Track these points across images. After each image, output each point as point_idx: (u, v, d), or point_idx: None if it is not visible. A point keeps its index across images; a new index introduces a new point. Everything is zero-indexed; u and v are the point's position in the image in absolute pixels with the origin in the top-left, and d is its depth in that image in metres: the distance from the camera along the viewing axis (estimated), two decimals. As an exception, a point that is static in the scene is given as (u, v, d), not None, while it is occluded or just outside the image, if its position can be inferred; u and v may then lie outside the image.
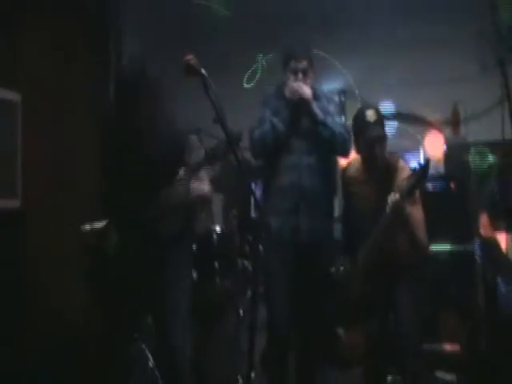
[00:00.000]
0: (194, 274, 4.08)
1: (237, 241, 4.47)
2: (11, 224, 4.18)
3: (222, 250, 4.35)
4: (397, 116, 5.49)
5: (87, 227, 3.93)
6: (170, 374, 3.30)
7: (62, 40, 4.76)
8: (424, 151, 5.64)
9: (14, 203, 4.25)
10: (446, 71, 5.41)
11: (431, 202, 3.88)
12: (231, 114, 3.02)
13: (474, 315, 4.19)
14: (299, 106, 3.75)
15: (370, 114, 3.66)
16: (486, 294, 4.18)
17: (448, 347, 4.59)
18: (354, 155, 3.91)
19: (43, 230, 4.37)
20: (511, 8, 5.00)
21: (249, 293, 4.28)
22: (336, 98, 5.16)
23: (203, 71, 2.99)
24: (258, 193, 3.90)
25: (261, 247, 3.80)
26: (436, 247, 4.58)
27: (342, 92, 5.65)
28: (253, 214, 4.93)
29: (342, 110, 5.20)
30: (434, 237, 3.79)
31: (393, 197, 3.44)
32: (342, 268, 3.88)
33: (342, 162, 4.64)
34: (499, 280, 4.03)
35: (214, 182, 3.52)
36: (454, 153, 5.21)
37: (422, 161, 3.53)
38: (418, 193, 3.58)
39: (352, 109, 5.25)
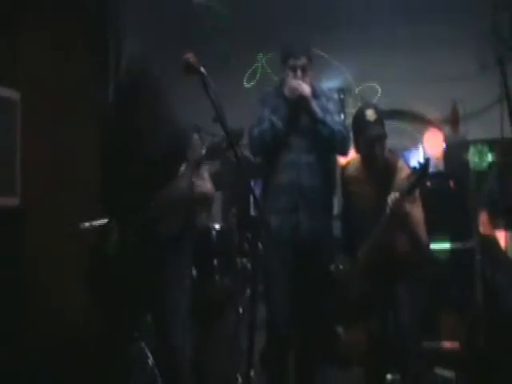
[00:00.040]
0: (194, 273, 4.08)
1: (236, 239, 4.47)
2: (10, 222, 4.18)
3: (221, 248, 4.34)
4: (396, 114, 5.49)
5: (86, 225, 3.94)
6: (170, 373, 3.30)
7: (62, 40, 4.76)
8: (423, 149, 5.64)
9: (12, 201, 4.25)
10: (446, 70, 5.41)
11: (430, 200, 3.88)
12: (232, 114, 3.02)
13: (473, 312, 4.20)
14: (298, 104, 3.75)
15: (370, 114, 3.66)
16: (484, 291, 4.18)
17: (447, 344, 4.60)
18: (353, 155, 3.91)
19: (42, 228, 4.37)
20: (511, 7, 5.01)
21: (248, 291, 4.28)
22: (335, 97, 5.16)
23: (202, 69, 2.99)
24: (258, 191, 3.90)
25: (260, 245, 3.80)
26: (435, 245, 4.59)
27: (341, 90, 5.65)
28: (252, 212, 4.93)
29: (341, 108, 5.20)
30: (433, 235, 3.79)
31: (393, 196, 3.44)
32: (341, 266, 3.88)
33: (342, 160, 4.65)
34: (498, 277, 4.04)
35: (215, 180, 3.52)
36: (453, 151, 5.21)
37: (421, 160, 3.53)
38: (417, 192, 3.58)
39: (351, 107, 5.29)
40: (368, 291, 3.63)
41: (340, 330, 4.63)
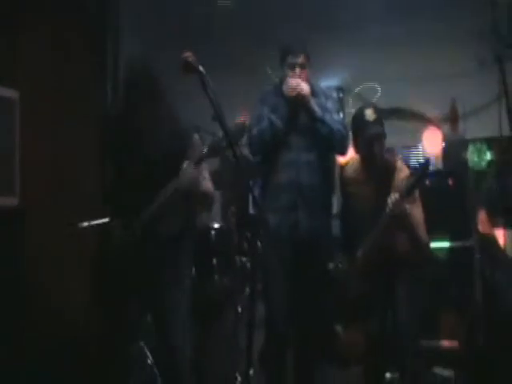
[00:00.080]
0: (193, 272, 4.08)
1: (235, 238, 4.47)
2: (9, 222, 4.18)
3: (221, 247, 4.35)
4: (395, 113, 5.49)
5: (85, 225, 3.94)
6: (170, 373, 3.31)
7: (62, 40, 4.76)
8: (422, 148, 5.65)
9: (11, 201, 4.24)
10: (444, 68, 5.40)
11: (429, 199, 3.88)
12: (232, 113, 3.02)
13: (472, 311, 4.20)
14: (297, 103, 3.75)
15: (369, 113, 3.66)
16: (483, 290, 4.18)
17: (446, 343, 4.60)
18: (352, 155, 3.91)
19: (42, 228, 4.36)
20: (510, 5, 5.01)
21: (247, 290, 4.28)
22: (334, 95, 5.16)
23: (201, 68, 2.99)
24: (257, 190, 3.90)
25: (259, 244, 3.80)
26: (434, 244, 4.59)
27: (340, 89, 5.66)
28: (251, 210, 4.93)
29: (339, 106, 5.20)
30: (432, 233, 3.79)
31: (393, 197, 3.44)
32: (340, 265, 3.88)
33: (341, 159, 4.65)
34: (497, 276, 4.04)
35: (214, 179, 3.52)
36: (452, 149, 5.21)
37: (421, 160, 3.54)
38: (417, 192, 3.59)
39: (350, 106, 5.29)
40: (367, 291, 3.63)
41: (339, 328, 4.65)
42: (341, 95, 5.63)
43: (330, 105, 3.88)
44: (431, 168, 4.61)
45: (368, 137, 3.62)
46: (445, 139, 5.46)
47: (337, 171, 4.20)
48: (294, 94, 3.73)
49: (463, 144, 5.03)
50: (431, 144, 5.57)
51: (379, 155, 3.66)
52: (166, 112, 3.28)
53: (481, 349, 4.05)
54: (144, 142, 3.22)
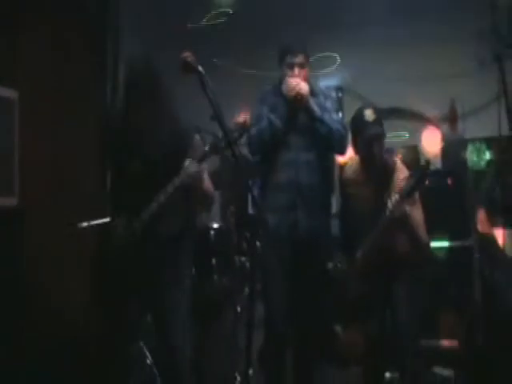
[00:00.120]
0: (192, 272, 4.08)
1: (234, 238, 4.47)
2: (8, 222, 4.18)
3: (220, 247, 4.35)
4: (394, 112, 5.49)
5: (84, 225, 3.94)
6: (169, 373, 3.31)
7: (62, 40, 4.76)
8: (421, 147, 5.65)
9: (11, 201, 4.24)
10: (444, 68, 5.41)
11: (428, 199, 3.88)
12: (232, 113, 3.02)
13: (472, 311, 4.20)
14: (297, 102, 3.75)
15: (369, 114, 3.66)
16: (483, 289, 4.18)
17: (445, 343, 4.60)
18: (351, 155, 3.91)
19: (41, 228, 4.36)
20: (510, 6, 5.01)
21: (246, 290, 4.29)
22: (333, 95, 5.16)
23: (200, 68, 2.99)
24: (256, 189, 3.90)
25: (258, 244, 3.80)
26: (433, 243, 4.59)
27: (340, 89, 5.65)
28: (250, 210, 4.93)
29: (339, 106, 5.21)
30: (431, 233, 3.79)
31: (393, 199, 3.44)
32: (339, 265, 3.88)
33: (340, 159, 4.65)
34: (496, 276, 4.04)
35: (214, 179, 3.52)
36: (452, 149, 5.21)
37: (422, 162, 3.54)
38: (417, 193, 3.59)
39: (349, 105, 5.28)
40: (366, 292, 3.63)
41: (338, 329, 4.65)
42: (340, 95, 5.63)
43: (329, 104, 3.88)
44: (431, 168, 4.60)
45: (367, 137, 3.62)
46: (444, 139, 5.45)
47: (336, 171, 4.19)
48: (293, 93, 3.73)
49: (462, 144, 5.03)
50: (430, 144, 5.57)
51: (379, 155, 3.66)
52: (167, 112, 3.28)
53: (480, 348, 4.05)
54: (144, 142, 3.22)
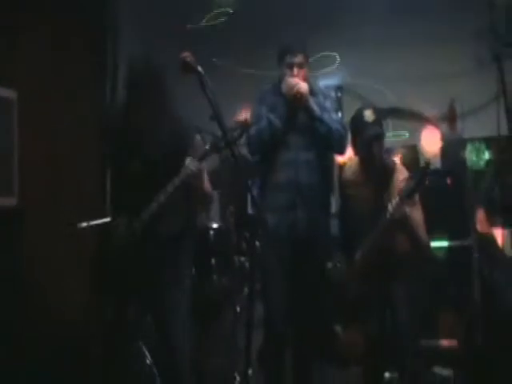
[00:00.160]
0: (192, 272, 4.08)
1: (234, 238, 4.47)
2: (8, 222, 4.18)
3: (219, 247, 4.35)
4: (393, 112, 5.49)
5: (84, 225, 3.94)
6: (169, 373, 3.31)
7: (62, 40, 4.76)
8: (421, 147, 5.64)
9: (10, 201, 4.24)
10: (443, 67, 5.40)
11: (427, 198, 3.88)
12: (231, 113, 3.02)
13: (471, 311, 4.20)
14: (296, 102, 3.75)
15: (368, 114, 3.66)
16: (482, 289, 4.18)
17: (445, 343, 4.61)
18: (350, 155, 3.91)
19: (40, 228, 4.37)
20: (508, 6, 5.01)
21: (246, 290, 4.29)
22: (333, 95, 5.16)
23: (199, 68, 3.00)
24: (256, 190, 3.90)
25: (258, 244, 3.80)
26: (432, 243, 4.58)
27: (339, 88, 5.65)
28: (250, 210, 4.93)
29: (338, 106, 5.21)
30: (430, 233, 3.79)
31: (393, 201, 3.44)
32: (338, 265, 3.88)
33: (339, 159, 4.65)
34: (496, 276, 4.05)
35: (213, 179, 3.52)
36: (451, 149, 5.21)
37: (421, 162, 3.54)
38: (417, 195, 3.59)
39: (349, 105, 5.28)
40: (366, 292, 3.63)
41: (338, 328, 4.65)
42: (339, 95, 5.62)
43: (328, 104, 3.88)
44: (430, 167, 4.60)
45: (367, 137, 3.62)
46: (443, 138, 5.45)
47: (335, 171, 4.19)
48: (292, 92, 3.73)
49: (461, 143, 5.02)
50: (429, 143, 5.56)
51: (378, 156, 3.66)
52: (167, 112, 3.28)
53: (479, 348, 4.05)
54: (144, 142, 3.22)
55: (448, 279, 4.75)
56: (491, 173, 4.32)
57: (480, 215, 4.20)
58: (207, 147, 3.17)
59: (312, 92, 3.81)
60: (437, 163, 5.29)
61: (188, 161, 3.15)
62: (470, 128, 5.26)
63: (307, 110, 3.76)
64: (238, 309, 4.27)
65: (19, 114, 4.32)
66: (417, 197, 3.59)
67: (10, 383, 3.92)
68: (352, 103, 5.16)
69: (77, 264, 4.47)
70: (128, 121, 3.25)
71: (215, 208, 5.04)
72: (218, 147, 3.18)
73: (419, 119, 5.66)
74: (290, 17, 5.52)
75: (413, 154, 5.52)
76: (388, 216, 3.45)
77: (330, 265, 4.00)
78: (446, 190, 4.88)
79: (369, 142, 3.63)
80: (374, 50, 5.54)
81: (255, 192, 3.80)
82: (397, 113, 5.54)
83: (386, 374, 3.96)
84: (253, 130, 3.76)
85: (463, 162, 4.85)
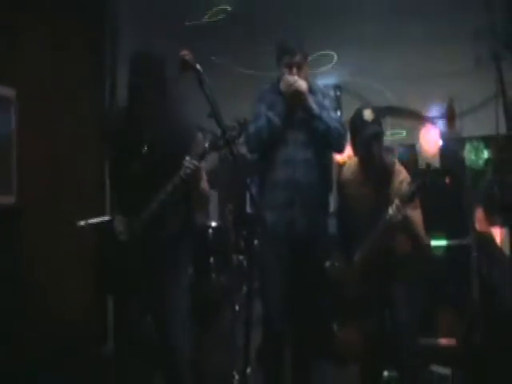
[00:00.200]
0: (190, 271, 4.08)
1: (232, 237, 4.48)
2: (6, 220, 4.19)
3: (218, 245, 4.35)
4: (392, 111, 5.49)
5: (82, 223, 3.94)
6: (170, 373, 3.30)
7: (62, 40, 4.77)
8: (419, 146, 5.64)
9: (9, 199, 4.25)
10: (442, 66, 5.40)
11: (426, 197, 3.88)
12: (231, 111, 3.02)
13: (470, 310, 4.20)
14: (295, 100, 3.75)
15: (367, 114, 3.66)
16: (481, 288, 4.19)
17: (443, 341, 4.61)
18: (349, 154, 3.90)
19: (39, 227, 4.38)
20: (507, 6, 5.02)
21: (244, 288, 4.29)
22: (331, 93, 5.16)
23: (198, 66, 3.00)
24: (254, 188, 3.90)
25: (256, 242, 3.80)
26: (431, 242, 4.59)
27: (338, 87, 5.65)
28: (248, 209, 4.93)
29: (337, 105, 5.20)
30: (429, 232, 3.79)
31: (394, 205, 3.44)
32: (336, 264, 3.88)
33: (338, 158, 4.65)
34: (494, 274, 4.05)
35: (211, 178, 3.52)
36: (449, 148, 5.21)
37: (421, 164, 3.54)
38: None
39: (347, 104, 5.28)
40: (365, 292, 3.63)
41: (336, 327, 4.65)
42: (338, 93, 5.62)
43: (327, 103, 3.88)
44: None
45: (366, 137, 3.61)
46: (442, 137, 5.45)
47: (334, 169, 4.19)
48: (291, 90, 3.72)
49: (460, 142, 5.02)
50: (428, 142, 5.56)
51: (378, 155, 3.65)
52: (167, 111, 3.27)
53: (478, 347, 4.05)
54: (144, 142, 3.21)
55: (447, 278, 4.76)
56: (490, 172, 4.33)
57: (479, 214, 4.21)
58: (206, 146, 3.17)
59: (311, 90, 3.80)
60: (435, 162, 5.28)
61: (187, 159, 3.15)
62: (469, 127, 5.25)
63: (306, 109, 3.76)
64: (237, 307, 4.27)
65: (19, 113, 4.33)
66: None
67: (9, 383, 3.92)
68: (351, 102, 5.16)
69: (76, 263, 4.48)
70: (128, 120, 3.25)
71: (214, 207, 5.05)
72: (217, 146, 3.18)
73: (418, 118, 5.66)
74: (289, 15, 5.52)
75: (411, 154, 5.53)
76: (388, 218, 3.46)
77: (328, 264, 4.00)
78: (444, 189, 4.87)
79: (368, 140, 3.62)
80: (373, 49, 5.54)
81: (254, 190, 3.80)
82: (395, 112, 5.54)
83: (385, 373, 3.96)
84: (251, 128, 3.76)
85: (462, 160, 4.85)
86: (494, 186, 4.18)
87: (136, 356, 3.32)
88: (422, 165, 5.10)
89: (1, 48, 4.26)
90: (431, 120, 5.61)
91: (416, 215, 3.61)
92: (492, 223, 4.20)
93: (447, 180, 4.84)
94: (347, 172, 3.84)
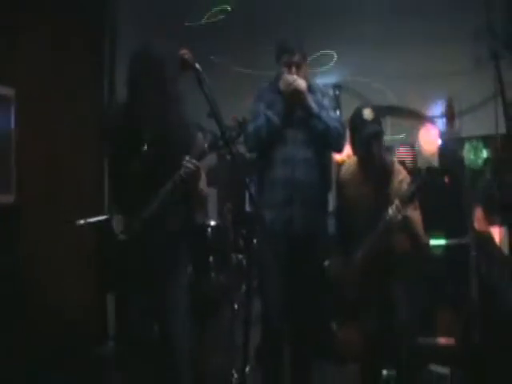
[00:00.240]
0: (189, 270, 4.09)
1: (231, 235, 4.48)
2: (5, 219, 4.19)
3: (217, 244, 4.35)
4: (391, 110, 5.50)
5: (81, 222, 3.94)
6: (170, 373, 3.30)
7: (62, 40, 4.78)
8: (418, 145, 5.65)
9: (8, 198, 4.26)
10: (442, 66, 5.41)
11: (425, 197, 3.88)
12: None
13: (468, 309, 4.21)
14: (294, 99, 3.75)
15: (367, 113, 3.66)
16: (479, 287, 4.19)
17: (442, 340, 4.61)
18: (349, 154, 3.91)
19: (38, 226, 4.38)
20: (506, 6, 5.03)
21: (243, 287, 4.29)
22: (331, 93, 5.16)
23: (197, 66, 3.00)
24: (253, 186, 3.90)
25: (255, 240, 3.80)
26: (430, 241, 4.59)
27: (337, 86, 5.65)
28: (247, 207, 4.93)
29: (336, 104, 5.20)
30: (428, 231, 3.80)
31: (393, 206, 3.44)
32: (335, 263, 3.88)
33: (337, 157, 4.65)
34: (493, 274, 4.05)
35: (210, 177, 3.52)
36: (449, 147, 5.21)
37: (422, 168, 3.54)
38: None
39: (347, 103, 5.29)
40: (365, 292, 3.63)
41: (336, 327, 4.65)
42: (337, 93, 5.63)
43: (326, 102, 3.88)
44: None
45: (366, 136, 3.61)
46: (441, 137, 5.46)
47: (333, 168, 4.19)
48: (290, 89, 3.73)
49: (459, 142, 5.03)
50: (427, 141, 5.57)
51: (377, 154, 3.65)
52: (167, 111, 3.27)
53: (477, 346, 4.05)
54: (144, 141, 3.22)
55: (445, 277, 4.75)
56: (489, 171, 4.33)
57: (478, 213, 4.21)
58: (206, 146, 3.17)
59: (310, 89, 3.81)
60: (435, 161, 5.29)
61: (187, 159, 3.15)
62: (468, 126, 5.26)
63: (305, 108, 3.76)
64: (236, 306, 4.28)
65: (19, 112, 4.34)
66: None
67: (10, 383, 3.93)
68: (350, 101, 5.16)
69: (75, 262, 4.49)
70: (128, 120, 3.25)
71: (213, 205, 5.05)
72: (217, 146, 3.18)
73: (417, 117, 5.67)
74: (289, 15, 5.53)
75: (411, 154, 5.54)
76: (388, 218, 3.46)
77: (326, 263, 4.00)
78: (443, 188, 4.88)
79: (368, 140, 3.62)
80: (373, 49, 5.55)
81: (253, 189, 3.80)
82: (394, 111, 5.55)
83: (384, 372, 3.96)
84: (251, 127, 3.76)
85: (461, 160, 4.85)
86: (493, 185, 4.18)
87: (136, 356, 3.33)
88: (421, 164, 5.12)
89: (1, 48, 4.26)
90: (431, 119, 5.62)
91: (415, 213, 3.61)
92: (491, 223, 4.20)
93: (446, 179, 4.85)
94: (346, 171, 3.84)
